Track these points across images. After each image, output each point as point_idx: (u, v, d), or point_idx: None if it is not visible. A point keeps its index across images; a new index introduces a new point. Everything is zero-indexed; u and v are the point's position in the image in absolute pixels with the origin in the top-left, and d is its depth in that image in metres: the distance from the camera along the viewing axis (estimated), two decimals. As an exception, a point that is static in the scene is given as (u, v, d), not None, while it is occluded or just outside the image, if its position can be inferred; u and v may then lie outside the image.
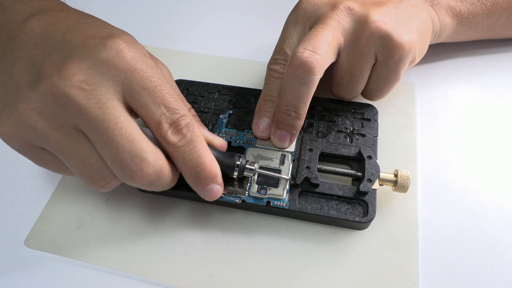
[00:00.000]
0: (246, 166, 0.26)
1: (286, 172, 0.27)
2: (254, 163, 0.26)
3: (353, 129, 0.30)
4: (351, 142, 0.29)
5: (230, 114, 0.31)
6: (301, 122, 0.27)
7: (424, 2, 0.31)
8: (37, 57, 0.21)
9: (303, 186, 0.27)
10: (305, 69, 0.25)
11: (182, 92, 0.32)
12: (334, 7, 0.27)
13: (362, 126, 0.30)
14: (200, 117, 0.30)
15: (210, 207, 0.28)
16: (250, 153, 0.28)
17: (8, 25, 0.22)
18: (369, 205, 0.26)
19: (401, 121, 0.32)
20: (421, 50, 0.29)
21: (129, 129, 0.20)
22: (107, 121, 0.20)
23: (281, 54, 0.28)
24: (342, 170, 0.28)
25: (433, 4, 0.31)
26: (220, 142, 0.27)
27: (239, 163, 0.25)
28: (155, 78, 0.21)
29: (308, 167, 0.27)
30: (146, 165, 0.21)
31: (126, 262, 0.26)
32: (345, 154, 0.28)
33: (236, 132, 0.29)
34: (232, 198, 0.26)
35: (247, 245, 0.26)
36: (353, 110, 0.31)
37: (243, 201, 0.26)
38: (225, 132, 0.30)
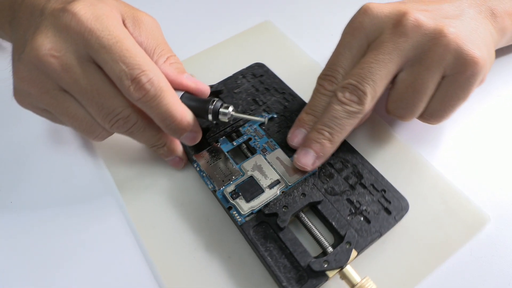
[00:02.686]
0: (220, 109, 0.25)
1: (268, 196, 0.26)
2: (229, 106, 0.25)
3: (364, 209, 0.25)
4: (352, 219, 0.25)
5: (272, 117, 0.30)
6: (331, 148, 0.26)
7: (479, 14, 0.27)
8: (24, 30, 0.24)
9: (270, 220, 0.25)
10: (354, 106, 0.25)
11: (255, 76, 0.33)
12: (398, 24, 0.25)
13: (375, 214, 0.25)
14: (249, 103, 0.31)
15: (210, 209, 0.28)
16: (255, 159, 0.27)
17: (14, 5, 0.27)
18: (308, 284, 0.23)
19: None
20: (489, 67, 0.26)
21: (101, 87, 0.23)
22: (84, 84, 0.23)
23: (331, 71, 0.27)
24: (317, 234, 0.25)
25: (487, 16, 0.27)
26: (196, 87, 0.26)
27: (211, 107, 0.25)
28: (113, 36, 0.22)
29: (286, 206, 0.25)
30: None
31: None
32: (333, 223, 0.25)
33: (262, 134, 0.29)
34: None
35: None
36: (383, 193, 0.26)
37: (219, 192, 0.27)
38: (254, 128, 0.29)
